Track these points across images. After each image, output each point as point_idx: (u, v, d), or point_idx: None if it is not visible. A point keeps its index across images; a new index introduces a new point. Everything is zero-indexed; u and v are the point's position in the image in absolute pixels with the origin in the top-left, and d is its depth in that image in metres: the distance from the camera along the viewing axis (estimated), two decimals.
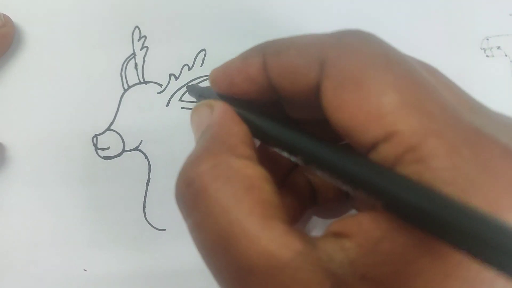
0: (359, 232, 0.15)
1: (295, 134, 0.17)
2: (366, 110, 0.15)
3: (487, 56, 0.31)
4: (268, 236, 0.15)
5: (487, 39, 0.31)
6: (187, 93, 0.30)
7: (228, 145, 0.17)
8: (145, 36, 0.30)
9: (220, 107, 0.19)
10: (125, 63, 0.30)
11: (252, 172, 0.16)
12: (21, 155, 0.29)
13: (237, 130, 0.18)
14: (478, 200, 0.13)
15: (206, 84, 0.30)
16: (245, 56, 0.19)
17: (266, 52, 0.18)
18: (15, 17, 0.30)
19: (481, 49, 0.31)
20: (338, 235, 0.15)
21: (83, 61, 0.30)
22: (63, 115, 0.29)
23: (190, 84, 0.28)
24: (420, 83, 0.15)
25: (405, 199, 0.14)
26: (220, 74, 0.20)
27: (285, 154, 0.18)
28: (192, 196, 0.16)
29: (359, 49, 0.16)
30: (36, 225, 0.29)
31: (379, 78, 0.15)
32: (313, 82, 0.16)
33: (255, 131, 0.18)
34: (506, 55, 0.30)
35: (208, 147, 0.17)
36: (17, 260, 0.29)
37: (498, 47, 0.31)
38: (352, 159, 0.15)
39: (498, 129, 0.15)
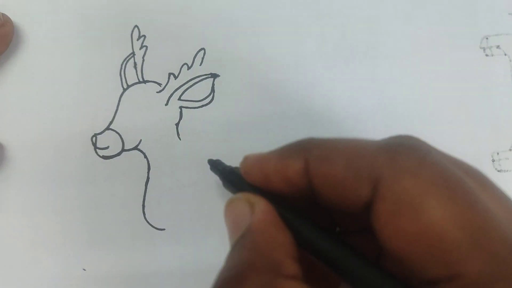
0: None
1: (339, 250, 0.16)
2: (427, 243, 0.14)
3: (487, 55, 0.31)
4: None
5: (487, 38, 0.31)
6: (186, 92, 0.30)
7: (274, 262, 0.16)
8: (144, 36, 0.30)
9: (261, 206, 0.18)
10: (124, 63, 0.30)
11: None
12: (21, 154, 0.29)
13: (282, 241, 0.17)
14: None
15: (204, 83, 0.30)
16: (285, 156, 0.18)
17: (309, 156, 0.17)
18: (14, 17, 0.30)
19: (481, 48, 0.31)
20: None
21: (82, 61, 0.30)
22: (62, 114, 0.29)
23: (212, 159, 0.25)
24: (483, 215, 0.14)
25: None
26: (256, 169, 0.19)
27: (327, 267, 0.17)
28: None
29: (417, 172, 0.15)
30: (35, 224, 0.29)
31: (441, 208, 0.14)
32: (363, 199, 0.15)
33: (298, 237, 0.17)
34: (505, 54, 0.30)
35: (252, 263, 0.16)
36: (16, 259, 0.29)
37: (498, 46, 0.31)
38: None
39: None
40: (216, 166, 0.24)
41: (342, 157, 0.16)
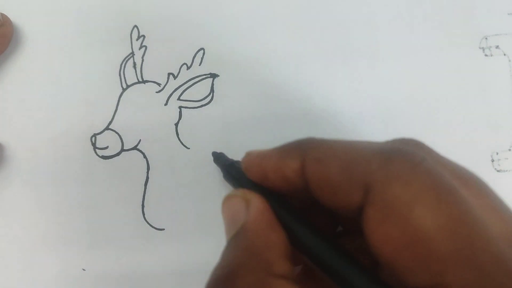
0: None
1: (331, 253, 0.16)
2: (414, 252, 0.14)
3: (486, 55, 0.31)
4: None
5: (486, 38, 0.31)
6: (185, 92, 0.30)
7: (266, 261, 0.16)
8: (143, 35, 0.30)
9: (256, 205, 0.18)
10: (124, 63, 0.30)
11: None
12: (20, 154, 0.29)
13: (275, 240, 0.17)
14: None
15: (204, 83, 0.30)
16: (283, 154, 0.18)
17: (306, 156, 0.17)
18: (13, 17, 0.30)
19: (480, 48, 0.31)
20: None
21: (81, 61, 0.30)
22: (61, 114, 0.29)
23: (216, 152, 0.27)
24: (473, 226, 0.14)
25: None
26: (255, 165, 0.19)
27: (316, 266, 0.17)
28: None
29: (408, 179, 0.15)
30: (35, 224, 0.29)
31: (429, 217, 0.14)
32: (354, 203, 0.16)
33: (292, 237, 0.17)
34: (504, 54, 0.30)
35: (244, 262, 0.16)
36: (16, 259, 0.29)
37: (497, 46, 0.31)
38: None
39: None
40: (219, 158, 0.25)
41: (337, 160, 0.16)
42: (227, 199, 0.19)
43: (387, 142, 0.17)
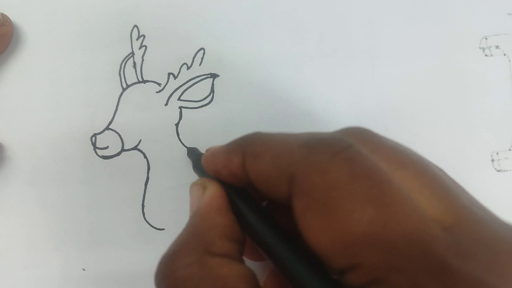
0: None
1: (273, 238, 0.17)
2: (332, 238, 0.15)
3: (486, 55, 0.31)
4: None
5: (486, 38, 0.31)
6: (186, 92, 0.30)
7: (206, 241, 0.17)
8: (143, 35, 0.30)
9: (210, 191, 0.19)
10: (124, 62, 0.30)
11: (227, 271, 0.16)
12: (20, 154, 0.29)
13: (219, 222, 0.18)
14: None
15: (204, 83, 0.30)
16: (229, 150, 0.19)
17: (246, 152, 0.18)
18: (13, 16, 0.30)
19: (480, 48, 0.31)
20: None
21: (81, 60, 0.30)
22: (61, 114, 0.29)
23: (191, 147, 0.28)
24: (388, 206, 0.14)
25: None
26: (209, 162, 0.20)
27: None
28: None
29: (326, 168, 0.15)
30: (35, 224, 0.29)
31: (345, 203, 0.14)
32: (284, 194, 0.16)
33: (242, 222, 0.18)
34: (504, 54, 0.30)
35: (186, 242, 0.18)
36: (16, 259, 0.29)
37: (497, 46, 0.31)
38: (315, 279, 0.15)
39: (478, 251, 0.14)
40: (191, 152, 0.26)
41: (269, 153, 0.17)
42: (191, 186, 0.21)
43: (319, 133, 0.18)
